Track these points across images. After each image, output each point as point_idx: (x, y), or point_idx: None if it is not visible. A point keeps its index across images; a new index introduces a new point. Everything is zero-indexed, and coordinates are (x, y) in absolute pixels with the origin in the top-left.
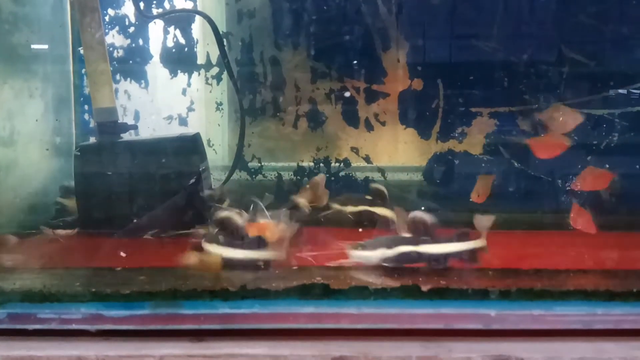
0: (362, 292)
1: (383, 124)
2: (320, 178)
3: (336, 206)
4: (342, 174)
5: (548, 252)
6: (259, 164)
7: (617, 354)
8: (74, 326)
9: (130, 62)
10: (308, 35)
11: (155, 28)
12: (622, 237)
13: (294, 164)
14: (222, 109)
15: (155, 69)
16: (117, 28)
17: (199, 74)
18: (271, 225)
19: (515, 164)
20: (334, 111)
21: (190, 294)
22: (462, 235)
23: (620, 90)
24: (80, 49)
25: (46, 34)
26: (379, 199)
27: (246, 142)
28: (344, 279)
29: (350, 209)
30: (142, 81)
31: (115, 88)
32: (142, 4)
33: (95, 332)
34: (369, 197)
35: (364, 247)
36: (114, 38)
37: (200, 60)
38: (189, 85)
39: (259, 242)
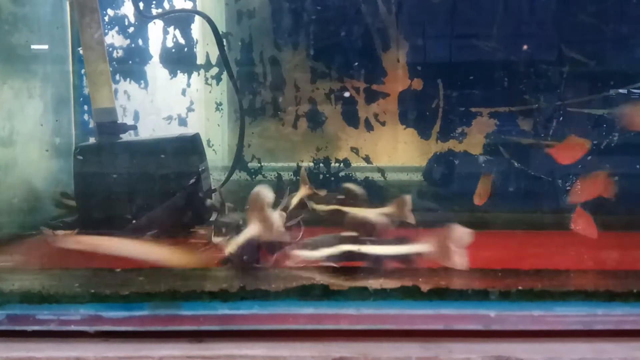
0: (361, 293)
1: (383, 124)
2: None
3: (312, 205)
4: (342, 174)
5: (548, 252)
6: (259, 165)
7: (618, 355)
8: (73, 327)
9: (130, 62)
10: (308, 35)
11: (155, 28)
12: (622, 237)
13: (294, 164)
14: (221, 109)
15: (155, 69)
16: (116, 28)
17: (199, 74)
18: None
19: (515, 164)
20: (334, 111)
21: (190, 294)
22: (403, 239)
23: (621, 90)
24: (79, 49)
25: (46, 34)
26: (351, 198)
27: (246, 142)
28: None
29: (320, 207)
30: (142, 81)
31: (114, 88)
32: (141, 4)
33: (94, 334)
34: (341, 197)
35: (308, 246)
36: (113, 38)
37: (200, 60)
38: (188, 85)
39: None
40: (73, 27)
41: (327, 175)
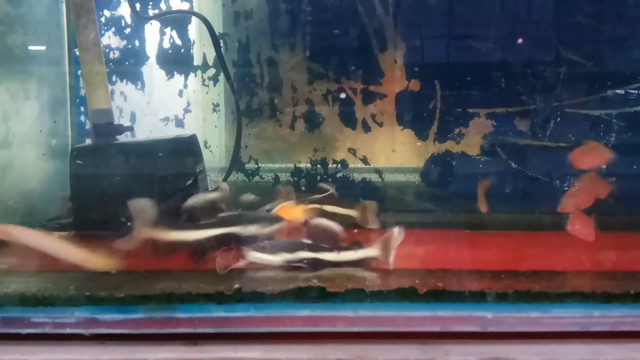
0: (358, 295)
1: (380, 125)
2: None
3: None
4: (339, 175)
5: (545, 254)
6: (256, 166)
7: (615, 356)
8: (68, 330)
9: (127, 63)
10: (305, 36)
11: (152, 29)
12: (619, 238)
13: (291, 165)
14: (218, 110)
15: (152, 71)
16: (113, 29)
17: (196, 75)
18: None
19: (513, 165)
20: (331, 112)
21: (185, 297)
22: (356, 245)
23: (618, 91)
24: (75, 50)
25: (42, 35)
26: (327, 197)
27: (243, 143)
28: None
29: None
30: (138, 82)
31: (111, 89)
32: (138, 5)
33: (90, 336)
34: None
35: (263, 249)
36: (109, 39)
37: (197, 61)
38: (185, 86)
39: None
40: (69, 28)
41: (325, 177)
